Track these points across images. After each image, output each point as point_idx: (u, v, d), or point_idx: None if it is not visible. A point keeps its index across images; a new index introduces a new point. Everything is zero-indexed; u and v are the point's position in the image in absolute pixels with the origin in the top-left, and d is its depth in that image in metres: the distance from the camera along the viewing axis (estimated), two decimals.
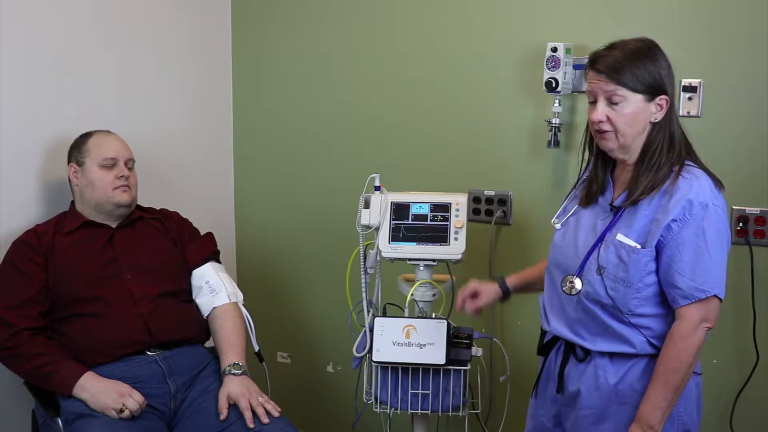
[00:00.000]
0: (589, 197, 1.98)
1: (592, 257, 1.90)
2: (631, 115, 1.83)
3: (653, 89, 1.83)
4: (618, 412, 1.91)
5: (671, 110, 1.87)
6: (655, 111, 1.85)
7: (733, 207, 2.50)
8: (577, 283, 1.91)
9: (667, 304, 1.86)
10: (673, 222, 1.80)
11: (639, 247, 1.84)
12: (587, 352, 1.95)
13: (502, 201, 2.82)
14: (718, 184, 1.86)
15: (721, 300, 1.84)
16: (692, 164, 1.87)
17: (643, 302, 1.86)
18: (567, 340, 1.98)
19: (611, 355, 1.91)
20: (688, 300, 1.81)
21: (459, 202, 2.43)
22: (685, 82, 2.50)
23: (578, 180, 2.07)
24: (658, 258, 1.85)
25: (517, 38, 2.72)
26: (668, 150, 1.86)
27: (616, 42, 1.88)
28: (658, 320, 1.88)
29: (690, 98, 2.50)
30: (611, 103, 1.84)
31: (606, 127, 1.85)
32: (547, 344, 2.07)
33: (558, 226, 2.03)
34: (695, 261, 1.80)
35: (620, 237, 1.86)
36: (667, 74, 1.85)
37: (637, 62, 1.82)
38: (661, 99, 1.84)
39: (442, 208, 2.43)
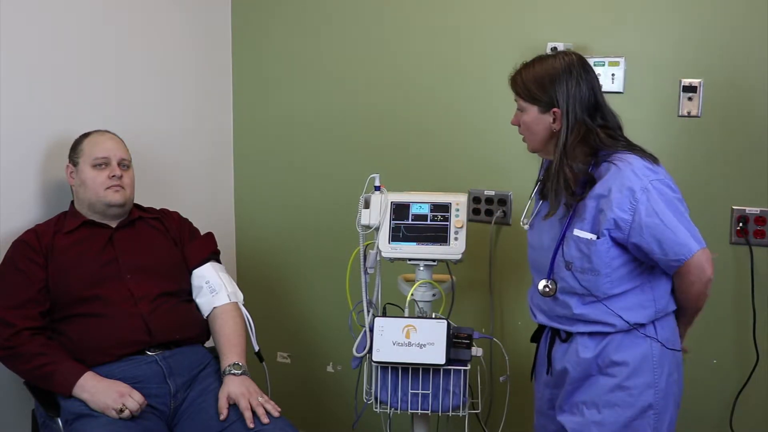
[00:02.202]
0: (544, 194, 2.12)
1: (558, 255, 2.02)
2: (528, 122, 2.03)
3: (545, 103, 1.98)
4: (596, 381, 2.02)
5: (568, 119, 1.96)
6: (552, 121, 1.98)
7: (733, 207, 2.50)
8: (551, 286, 2.04)
9: (640, 277, 1.98)
10: (623, 212, 1.90)
11: (595, 237, 1.94)
12: (570, 334, 2.07)
13: (502, 201, 2.82)
14: (652, 160, 1.96)
15: (704, 247, 1.93)
16: (624, 151, 1.96)
17: (615, 283, 1.97)
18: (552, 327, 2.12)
19: (590, 333, 2.03)
20: (673, 268, 1.93)
21: (459, 202, 2.43)
22: (685, 82, 2.50)
23: (537, 180, 2.19)
24: (626, 245, 1.95)
25: (517, 38, 2.72)
26: (562, 156, 1.97)
27: (538, 57, 2.04)
28: (633, 293, 1.99)
29: (690, 98, 2.50)
30: (519, 110, 2.06)
31: (520, 130, 2.08)
32: (538, 331, 2.21)
33: (526, 227, 2.18)
34: (660, 239, 1.90)
35: (576, 232, 1.98)
36: (564, 90, 1.96)
37: (536, 77, 1.99)
38: (555, 111, 1.97)
39: (442, 208, 2.43)
